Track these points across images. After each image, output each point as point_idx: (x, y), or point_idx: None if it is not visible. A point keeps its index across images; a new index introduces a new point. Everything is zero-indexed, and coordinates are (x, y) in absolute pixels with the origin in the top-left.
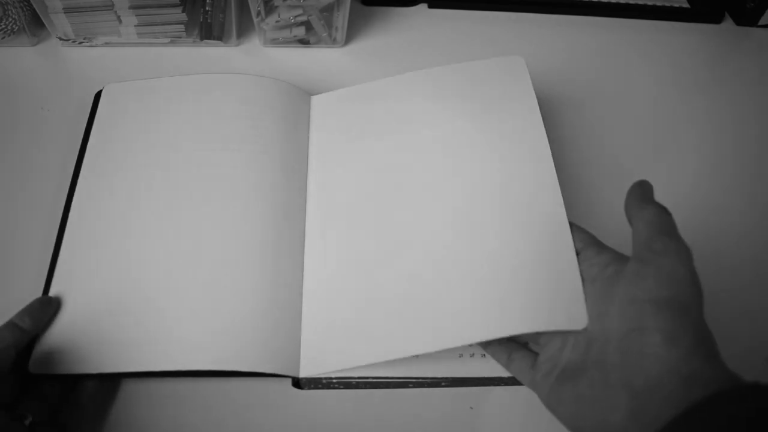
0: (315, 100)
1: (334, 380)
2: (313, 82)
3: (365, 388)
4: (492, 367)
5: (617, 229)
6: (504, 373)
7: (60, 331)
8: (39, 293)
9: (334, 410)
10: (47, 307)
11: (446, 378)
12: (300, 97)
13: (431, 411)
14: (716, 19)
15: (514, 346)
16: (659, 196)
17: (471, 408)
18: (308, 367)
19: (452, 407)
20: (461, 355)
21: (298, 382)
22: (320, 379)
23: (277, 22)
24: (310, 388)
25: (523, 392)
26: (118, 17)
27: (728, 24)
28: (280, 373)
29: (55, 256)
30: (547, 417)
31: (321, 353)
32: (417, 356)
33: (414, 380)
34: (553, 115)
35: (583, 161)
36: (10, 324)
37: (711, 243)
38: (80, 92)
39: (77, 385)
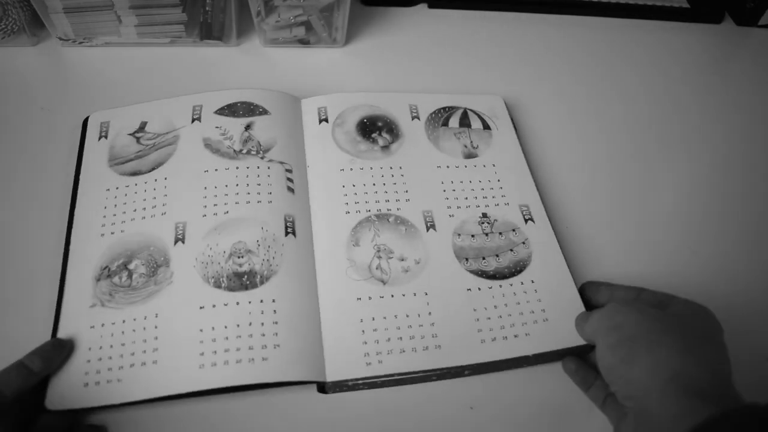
0: (305, 103)
1: (360, 381)
2: (312, 82)
3: (390, 386)
4: (513, 348)
5: (612, 229)
6: (527, 353)
7: (74, 366)
8: (48, 306)
9: (332, 413)
10: (60, 350)
11: (470, 366)
12: (291, 102)
13: (431, 411)
14: (716, 19)
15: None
16: (659, 197)
17: (471, 408)
18: (334, 371)
19: (452, 407)
20: (483, 341)
21: (323, 387)
22: (345, 381)
23: (277, 22)
24: (335, 392)
25: (523, 392)
26: (118, 17)
27: (728, 24)
28: (307, 379)
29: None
30: (547, 417)
31: (345, 356)
32: (439, 347)
33: (438, 372)
34: (551, 113)
35: (581, 160)
36: (19, 364)
37: (711, 243)
38: (80, 92)
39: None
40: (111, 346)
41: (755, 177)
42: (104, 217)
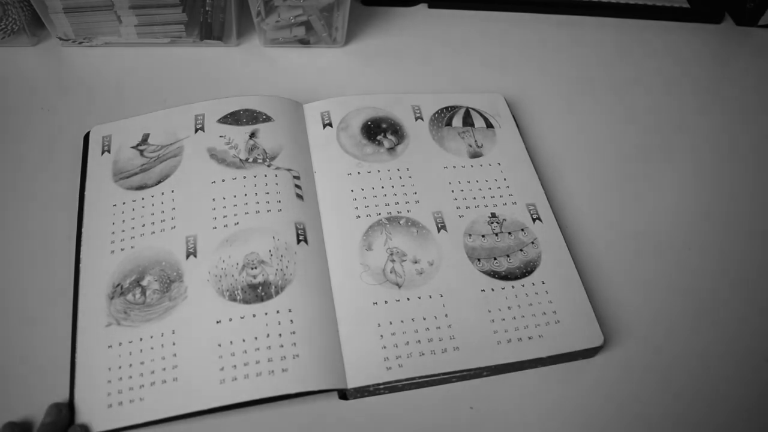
0: (307, 108)
1: (381, 386)
2: (313, 82)
3: (411, 389)
4: (528, 350)
5: (609, 231)
6: (542, 354)
7: (96, 388)
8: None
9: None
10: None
11: (488, 367)
12: (293, 107)
13: (431, 411)
14: (716, 19)
15: None
16: (660, 195)
17: (471, 408)
18: (355, 378)
19: (452, 407)
20: (499, 342)
21: (344, 394)
22: (367, 387)
23: (277, 22)
24: (356, 398)
25: (523, 392)
26: (118, 17)
27: (728, 24)
28: (329, 388)
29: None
30: (547, 417)
31: (365, 362)
32: (457, 349)
33: (457, 374)
34: (551, 112)
35: (581, 161)
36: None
37: (711, 243)
38: (80, 92)
39: None
40: (130, 365)
41: (756, 176)
42: (113, 233)
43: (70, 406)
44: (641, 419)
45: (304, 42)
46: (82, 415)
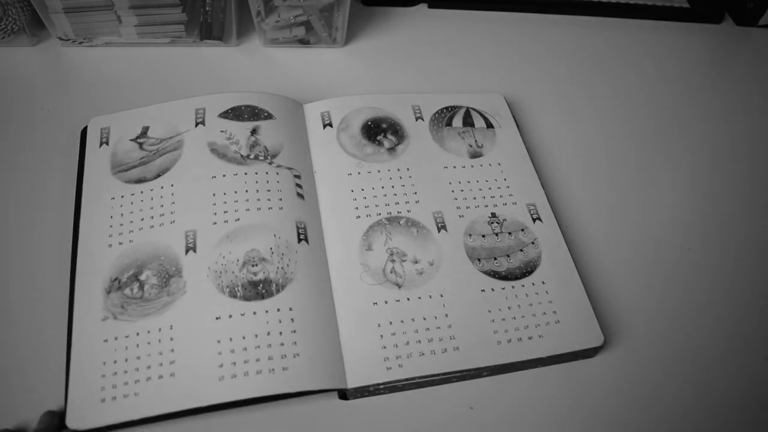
0: (308, 108)
1: (381, 386)
2: (313, 82)
3: (411, 389)
4: (528, 350)
5: (608, 231)
6: (541, 354)
7: (89, 382)
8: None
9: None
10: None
11: (488, 367)
12: (294, 107)
13: (431, 411)
14: (716, 19)
15: None
16: (658, 198)
17: (471, 408)
18: (355, 377)
19: (452, 407)
20: (499, 342)
21: (344, 394)
22: (367, 387)
23: (277, 22)
24: (356, 398)
25: (523, 392)
26: (118, 17)
27: (728, 24)
28: (329, 387)
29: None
30: (547, 417)
31: (365, 362)
32: (458, 349)
33: (457, 374)
34: (552, 112)
35: (581, 161)
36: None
37: (711, 243)
38: (80, 92)
39: None
40: (126, 360)
41: (756, 175)
42: (111, 227)
43: (65, 399)
44: (641, 419)
45: (304, 42)
46: (76, 411)
